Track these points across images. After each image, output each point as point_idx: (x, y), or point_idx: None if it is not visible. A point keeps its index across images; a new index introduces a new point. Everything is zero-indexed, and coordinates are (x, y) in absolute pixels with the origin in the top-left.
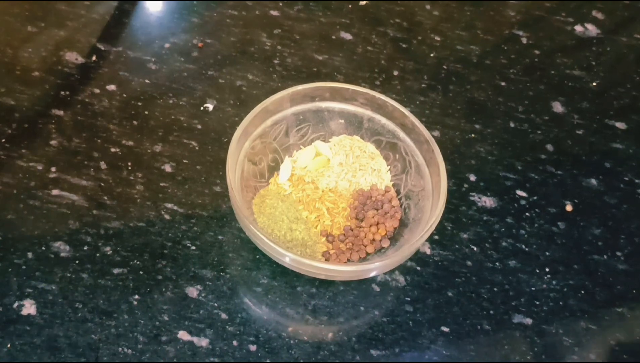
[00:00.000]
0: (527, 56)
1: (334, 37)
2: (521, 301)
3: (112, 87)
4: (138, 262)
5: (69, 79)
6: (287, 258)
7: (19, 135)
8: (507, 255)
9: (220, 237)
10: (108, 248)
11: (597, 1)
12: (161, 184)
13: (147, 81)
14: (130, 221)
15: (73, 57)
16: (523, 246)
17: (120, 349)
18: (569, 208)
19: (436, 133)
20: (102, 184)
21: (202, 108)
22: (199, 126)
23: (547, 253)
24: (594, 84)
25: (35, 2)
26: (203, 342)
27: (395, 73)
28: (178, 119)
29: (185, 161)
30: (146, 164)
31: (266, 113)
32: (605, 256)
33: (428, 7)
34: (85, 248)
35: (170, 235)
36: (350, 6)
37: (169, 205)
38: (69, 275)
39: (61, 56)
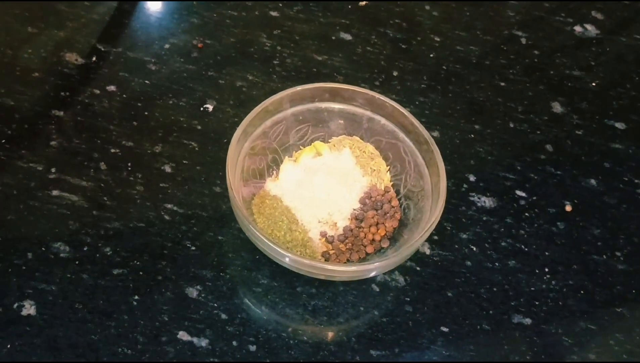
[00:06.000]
0: (526, 56)
1: (333, 37)
2: (521, 302)
3: (112, 87)
4: (138, 263)
5: (69, 79)
6: (287, 259)
7: (19, 136)
8: (506, 255)
9: (220, 237)
10: (108, 249)
11: (596, 1)
12: (161, 184)
13: (147, 81)
14: (130, 221)
15: (73, 57)
16: (522, 246)
17: (120, 349)
18: (568, 208)
19: (436, 133)
20: (102, 184)
21: (202, 109)
22: (199, 127)
23: (547, 253)
24: (594, 84)
25: (35, 3)
26: (203, 342)
27: (395, 73)
28: (178, 119)
29: (185, 161)
30: (146, 164)
31: (266, 114)
32: (604, 257)
33: (428, 7)
34: (85, 248)
35: (170, 235)
36: (349, 6)
37: (169, 206)
38: (68, 275)
39: (61, 57)
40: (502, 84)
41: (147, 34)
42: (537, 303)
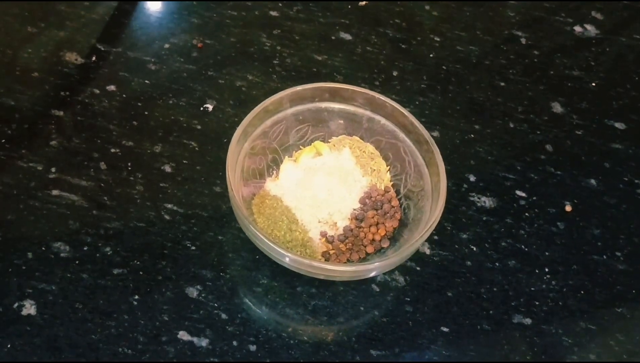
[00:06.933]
0: (526, 56)
1: (333, 37)
2: (521, 302)
3: (112, 87)
4: (138, 262)
5: (68, 79)
6: (287, 259)
7: (19, 135)
8: (506, 255)
9: (220, 237)
10: (108, 249)
11: (596, 1)
12: (161, 184)
13: (146, 81)
14: (130, 221)
15: (73, 57)
16: (522, 246)
17: (120, 349)
18: (568, 208)
19: (436, 133)
20: (102, 184)
21: (201, 108)
22: (199, 127)
23: (547, 253)
24: (594, 84)
25: (35, 3)
26: (203, 342)
27: (395, 73)
28: (178, 119)
29: (185, 161)
30: (146, 164)
31: (266, 113)
32: (604, 257)
33: (428, 7)
34: (85, 248)
35: (170, 235)
36: (349, 6)
37: (169, 205)
38: (69, 275)
39: (61, 57)
40: (502, 84)
41: (147, 33)
42: (537, 303)
